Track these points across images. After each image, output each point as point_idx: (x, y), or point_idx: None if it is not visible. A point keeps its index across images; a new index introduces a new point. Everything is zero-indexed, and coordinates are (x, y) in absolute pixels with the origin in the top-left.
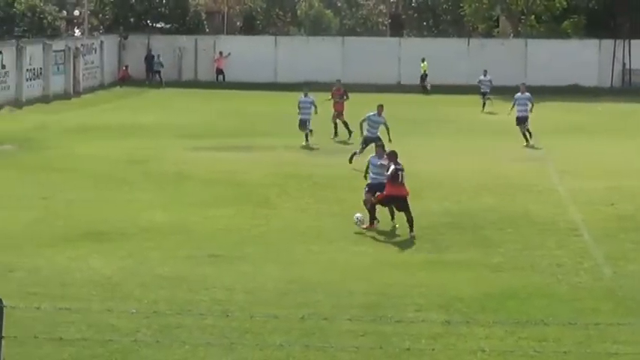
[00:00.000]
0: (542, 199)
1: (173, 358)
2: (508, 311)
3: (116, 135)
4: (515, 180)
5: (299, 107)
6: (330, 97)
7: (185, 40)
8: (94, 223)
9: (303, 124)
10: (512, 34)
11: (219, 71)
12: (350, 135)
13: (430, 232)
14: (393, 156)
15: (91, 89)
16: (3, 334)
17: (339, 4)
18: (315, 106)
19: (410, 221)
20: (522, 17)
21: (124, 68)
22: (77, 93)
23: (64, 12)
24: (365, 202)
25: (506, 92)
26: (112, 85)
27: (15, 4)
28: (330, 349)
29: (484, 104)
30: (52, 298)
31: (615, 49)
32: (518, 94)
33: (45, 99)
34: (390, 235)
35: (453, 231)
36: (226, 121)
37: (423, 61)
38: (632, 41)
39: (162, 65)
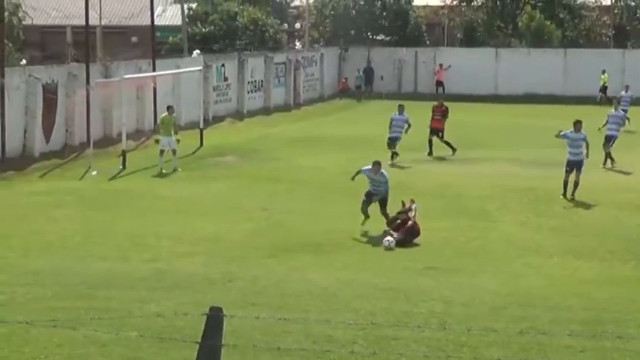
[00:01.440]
0: None
1: None
2: None
3: (334, 147)
4: None
5: (390, 125)
6: (432, 113)
7: (405, 53)
8: (312, 235)
9: (392, 142)
10: None
11: (439, 83)
12: (453, 152)
13: None
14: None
15: (311, 101)
16: (223, 342)
17: (561, 16)
18: (410, 125)
19: None
20: None
21: (343, 80)
22: (297, 105)
23: (285, 25)
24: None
25: None
26: (332, 97)
27: (237, 18)
28: None
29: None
30: (271, 308)
31: None
32: (611, 111)
33: (265, 111)
34: (610, 250)
35: None
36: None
37: (603, 72)
38: None
39: (362, 80)
